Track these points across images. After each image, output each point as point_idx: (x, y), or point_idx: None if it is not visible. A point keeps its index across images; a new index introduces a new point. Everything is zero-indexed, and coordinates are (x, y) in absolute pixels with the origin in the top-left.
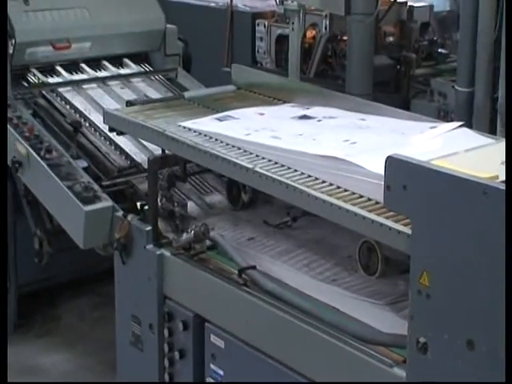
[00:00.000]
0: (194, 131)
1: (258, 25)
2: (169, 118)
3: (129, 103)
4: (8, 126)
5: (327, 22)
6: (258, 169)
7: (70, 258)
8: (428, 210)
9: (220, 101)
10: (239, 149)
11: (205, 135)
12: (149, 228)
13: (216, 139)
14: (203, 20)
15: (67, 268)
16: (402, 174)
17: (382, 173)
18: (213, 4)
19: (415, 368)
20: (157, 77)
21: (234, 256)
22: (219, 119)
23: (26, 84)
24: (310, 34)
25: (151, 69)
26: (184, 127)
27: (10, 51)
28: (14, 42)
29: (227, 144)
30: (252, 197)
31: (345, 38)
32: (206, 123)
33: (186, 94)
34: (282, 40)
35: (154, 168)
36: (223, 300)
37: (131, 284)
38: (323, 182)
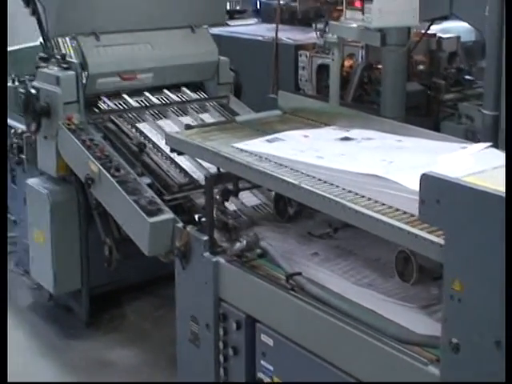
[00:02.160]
0: (246, 152)
1: (301, 55)
2: (223, 140)
3: (187, 127)
4: (82, 146)
5: (363, 53)
6: (303, 185)
7: (134, 263)
8: (459, 221)
9: (268, 124)
10: (286, 167)
11: (255, 155)
12: (206, 238)
13: (265, 159)
14: (251, 52)
15: (132, 272)
16: (436, 190)
17: (417, 189)
18: (260, 37)
19: (448, 366)
20: (211, 103)
21: (282, 263)
22: (269, 141)
23: (97, 110)
24: (347, 63)
25: (206, 96)
26: (237, 148)
27: (84, 81)
28: (87, 73)
29: (276, 163)
30: (297, 210)
31: (379, 66)
32: (257, 144)
33: (238, 119)
34: (322, 69)
35: (210, 184)
36: (272, 303)
37: (190, 287)
38: (363, 196)
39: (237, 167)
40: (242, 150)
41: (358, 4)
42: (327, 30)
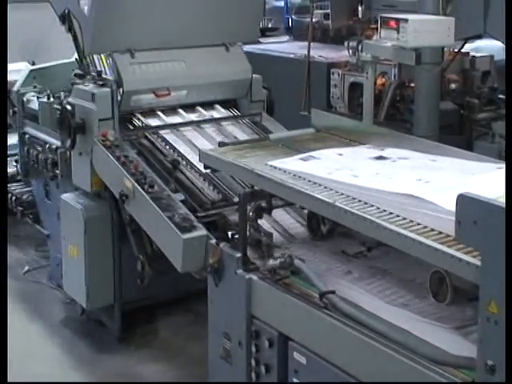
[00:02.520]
0: (280, 169)
1: (333, 73)
2: (257, 158)
3: (221, 144)
4: (116, 163)
5: (396, 71)
6: (338, 204)
7: (167, 279)
8: (496, 243)
9: (301, 142)
10: (321, 185)
11: (289, 173)
12: (239, 255)
13: (299, 177)
14: (283, 69)
15: (164, 288)
16: (472, 211)
17: (453, 209)
18: (292, 55)
19: None
20: (244, 120)
21: (316, 281)
22: (303, 159)
23: (131, 127)
24: (380, 81)
25: (239, 113)
26: (271, 166)
27: (119, 98)
28: (122, 90)
29: (310, 181)
30: (330, 228)
31: (412, 84)
32: (292, 163)
33: (271, 136)
34: (355, 87)
35: (244, 202)
36: (305, 321)
37: (223, 304)
38: (398, 216)
39: (271, 185)
40: (275, 167)
41: (392, 24)
42: (360, 48)
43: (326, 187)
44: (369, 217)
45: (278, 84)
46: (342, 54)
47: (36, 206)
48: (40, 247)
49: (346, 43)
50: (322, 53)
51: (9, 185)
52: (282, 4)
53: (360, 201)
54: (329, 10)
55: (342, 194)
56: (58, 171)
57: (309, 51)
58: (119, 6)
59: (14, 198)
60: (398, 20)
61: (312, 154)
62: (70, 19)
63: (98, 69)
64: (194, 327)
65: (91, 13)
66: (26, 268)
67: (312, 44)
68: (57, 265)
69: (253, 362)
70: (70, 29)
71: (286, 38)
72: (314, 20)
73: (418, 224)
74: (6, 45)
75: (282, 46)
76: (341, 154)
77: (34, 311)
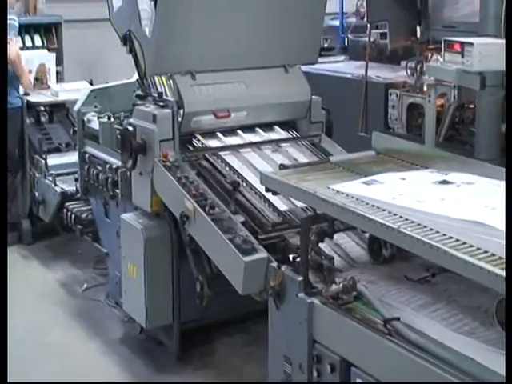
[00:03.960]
0: (342, 193)
1: (391, 94)
2: (318, 181)
3: (282, 166)
4: (177, 184)
5: (455, 92)
6: (402, 229)
7: (225, 299)
8: None
9: (362, 165)
10: (384, 210)
11: (351, 197)
12: (300, 278)
13: (362, 201)
14: (340, 89)
15: (223, 308)
16: None
17: None
18: (349, 75)
19: None
20: (303, 142)
21: (379, 307)
22: (366, 183)
23: (191, 148)
24: (438, 102)
25: (298, 135)
26: (333, 189)
27: (179, 119)
28: (182, 112)
29: (373, 206)
30: (392, 252)
31: (472, 106)
32: (354, 187)
33: (332, 159)
34: (413, 108)
35: (306, 225)
36: (369, 347)
37: (283, 327)
38: (464, 243)
39: (333, 209)
40: (337, 191)
41: (457, 47)
42: (418, 68)
43: (389, 212)
44: (435, 244)
45: (334, 104)
46: (399, 74)
47: (95, 225)
48: (97, 265)
49: (403, 63)
50: (379, 73)
51: (68, 203)
52: (337, 23)
53: (425, 227)
54: (385, 30)
55: (407, 219)
56: (118, 191)
57: (366, 71)
58: (181, 28)
59: (73, 216)
60: (462, 43)
61: (375, 177)
62: (132, 40)
63: (159, 90)
64: (251, 348)
65: (153, 34)
66: (85, 286)
67: (368, 64)
68: (115, 283)
69: None
70: (132, 50)
71: (342, 57)
72: (370, 39)
73: (486, 252)
74: (5, 45)
75: (338, 66)
76: (404, 179)
77: (92, 329)
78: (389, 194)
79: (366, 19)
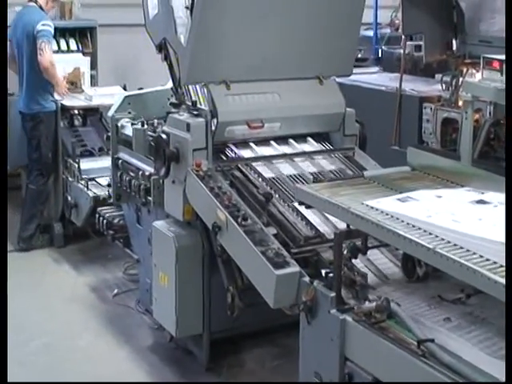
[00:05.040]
0: (376, 209)
1: (425, 108)
2: (352, 196)
3: (315, 180)
4: (210, 194)
5: (491, 108)
6: (438, 250)
7: (255, 310)
8: None
9: (397, 181)
10: (420, 229)
11: (386, 214)
12: (333, 294)
13: (397, 218)
14: (373, 101)
15: (253, 319)
16: None
17: None
18: (383, 87)
19: None
20: (336, 154)
21: (413, 327)
22: (401, 200)
23: (224, 158)
24: (474, 117)
25: (331, 147)
26: (367, 205)
27: (213, 129)
28: (216, 121)
29: (408, 223)
30: (426, 271)
31: None
32: (389, 203)
33: (366, 173)
34: (447, 122)
35: (340, 240)
36: (402, 368)
37: (315, 343)
38: (501, 266)
39: (368, 225)
40: (372, 207)
41: (496, 65)
42: (454, 83)
43: (425, 231)
44: (471, 265)
45: (366, 116)
46: (433, 88)
47: (127, 230)
48: (128, 270)
49: (438, 76)
50: (413, 85)
51: (100, 208)
52: (371, 34)
53: (461, 247)
54: (420, 42)
55: (443, 239)
56: (150, 198)
57: (400, 84)
58: (216, 37)
59: (105, 221)
60: (501, 61)
61: (410, 194)
62: (167, 48)
63: (193, 98)
64: (280, 360)
65: (188, 43)
66: (115, 291)
67: (403, 76)
68: (146, 290)
69: None
70: (166, 58)
71: (376, 68)
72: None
73: None
74: (5, 46)
75: (371, 78)
76: (440, 196)
77: (122, 335)
78: (424, 212)
79: (400, 31)
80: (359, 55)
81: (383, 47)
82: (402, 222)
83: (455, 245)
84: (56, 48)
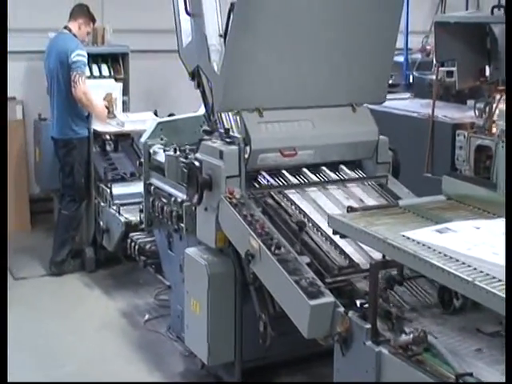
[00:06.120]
0: (413, 240)
1: (458, 135)
2: (388, 226)
3: (350, 209)
4: (243, 222)
5: None
6: (477, 283)
7: (287, 339)
8: None
9: (433, 211)
10: (458, 261)
11: (423, 245)
12: (368, 326)
13: (434, 250)
14: (405, 128)
15: (285, 348)
16: None
17: None
18: (415, 114)
19: None
20: (369, 182)
21: (451, 361)
22: (439, 231)
23: (256, 185)
24: None
25: (364, 175)
26: (403, 236)
27: (246, 156)
28: (249, 149)
29: (445, 255)
30: (463, 302)
31: None
32: (427, 234)
33: (401, 203)
34: (481, 149)
35: (376, 271)
36: None
37: (349, 375)
38: None
39: (404, 256)
40: (408, 237)
41: None
42: (487, 110)
43: (463, 263)
44: None
45: (398, 142)
46: (466, 115)
47: (158, 256)
48: (159, 295)
49: (470, 103)
50: (445, 112)
51: (132, 233)
52: (402, 59)
53: (500, 280)
54: (452, 68)
55: (481, 271)
56: (182, 224)
57: (433, 111)
58: (250, 65)
59: (137, 246)
60: None
61: (447, 225)
62: (200, 76)
63: (226, 126)
64: None
65: (222, 71)
66: (147, 317)
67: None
68: (177, 316)
69: None
70: (199, 85)
71: (407, 94)
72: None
73: None
74: (6, 47)
75: (403, 104)
76: (478, 228)
77: (153, 362)
78: (464, 244)
79: (432, 56)
80: (390, 81)
81: (414, 73)
82: (440, 253)
83: (494, 277)
84: (88, 74)
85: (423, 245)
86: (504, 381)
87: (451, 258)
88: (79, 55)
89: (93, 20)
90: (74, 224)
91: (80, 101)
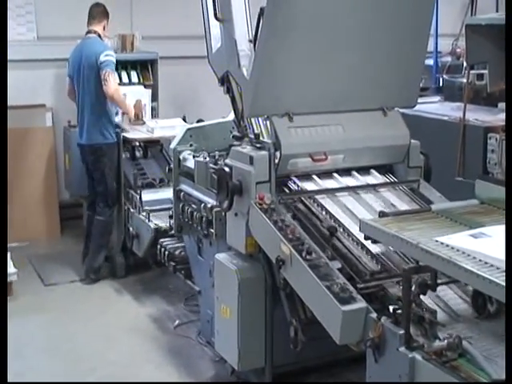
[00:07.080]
0: (447, 245)
1: (490, 138)
2: (420, 231)
3: (382, 214)
4: (273, 227)
5: None
6: None
7: (319, 344)
8: None
9: (466, 215)
10: (492, 266)
11: (457, 250)
12: (402, 332)
13: (468, 255)
14: (435, 131)
15: (316, 353)
16: None
17: None
18: (446, 117)
19: None
20: (400, 187)
21: (486, 367)
22: (473, 236)
23: (287, 190)
24: None
25: (395, 179)
26: (437, 241)
27: (276, 161)
28: (279, 154)
29: (480, 260)
30: (497, 307)
31: None
32: (461, 239)
33: (433, 207)
34: None
35: (409, 276)
36: None
37: (382, 380)
38: None
39: (438, 262)
40: (442, 243)
41: None
42: None
43: (498, 268)
44: None
45: (429, 146)
46: (497, 117)
47: (188, 262)
48: (188, 301)
49: (501, 105)
50: (476, 115)
51: (162, 239)
52: (431, 62)
53: None
54: (482, 71)
55: None
56: (212, 230)
57: (464, 114)
58: (280, 70)
59: (167, 252)
60: None
61: (482, 230)
62: (229, 81)
63: (256, 131)
64: None
65: (252, 76)
66: (177, 322)
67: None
68: (207, 321)
69: None
70: (229, 91)
71: (437, 98)
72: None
73: None
74: (6, 47)
75: (433, 107)
76: None
77: (183, 367)
78: (499, 249)
79: (462, 59)
80: (420, 84)
81: (444, 76)
82: (474, 258)
83: None
84: (118, 80)
85: (457, 250)
86: None
87: (486, 263)
88: (108, 55)
89: (108, 15)
90: (109, 229)
91: (112, 97)
